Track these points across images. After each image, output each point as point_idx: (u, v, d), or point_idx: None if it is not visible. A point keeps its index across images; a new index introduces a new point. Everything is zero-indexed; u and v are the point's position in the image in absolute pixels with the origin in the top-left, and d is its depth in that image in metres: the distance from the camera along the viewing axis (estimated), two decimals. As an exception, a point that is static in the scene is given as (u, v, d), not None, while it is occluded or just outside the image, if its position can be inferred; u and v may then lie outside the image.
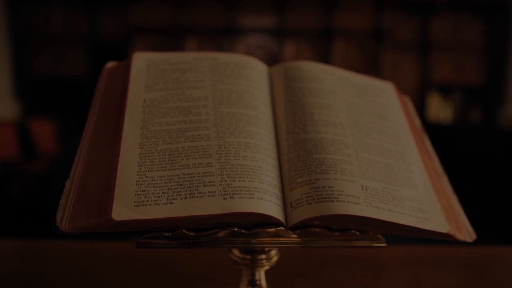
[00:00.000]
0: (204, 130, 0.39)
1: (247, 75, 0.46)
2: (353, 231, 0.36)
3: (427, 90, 4.21)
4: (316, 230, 0.36)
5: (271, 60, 3.96)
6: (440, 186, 0.44)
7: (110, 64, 0.48)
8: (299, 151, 0.40)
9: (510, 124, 3.87)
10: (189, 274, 0.58)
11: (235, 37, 4.10)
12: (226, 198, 0.34)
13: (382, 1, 4.02)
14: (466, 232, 0.40)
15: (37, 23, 4.15)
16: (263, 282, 0.44)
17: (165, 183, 0.35)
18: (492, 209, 2.38)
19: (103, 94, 0.44)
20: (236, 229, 0.35)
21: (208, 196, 0.34)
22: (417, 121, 0.51)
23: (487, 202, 2.42)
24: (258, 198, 0.35)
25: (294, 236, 0.36)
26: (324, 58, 4.01)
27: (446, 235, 0.38)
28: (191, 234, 0.34)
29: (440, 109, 4.28)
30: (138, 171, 0.36)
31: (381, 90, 0.51)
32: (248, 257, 0.42)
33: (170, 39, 4.07)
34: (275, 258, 0.43)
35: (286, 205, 0.37)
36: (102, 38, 4.18)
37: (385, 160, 0.42)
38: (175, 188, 0.35)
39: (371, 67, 4.01)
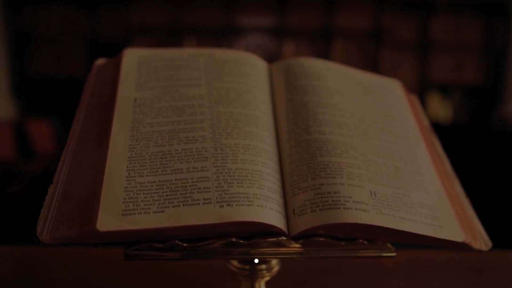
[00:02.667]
0: (199, 131, 0.36)
1: (246, 72, 0.43)
2: (360, 240, 0.34)
3: (426, 90, 4.19)
4: (321, 239, 0.33)
5: (271, 59, 3.90)
6: (453, 190, 0.41)
7: (100, 61, 0.45)
8: (302, 153, 0.37)
9: (509, 124, 3.85)
10: (188, 275, 0.56)
11: (235, 37, 4.07)
12: (222, 206, 0.31)
13: (382, 1, 4.00)
14: (481, 240, 0.37)
15: (37, 23, 4.12)
16: (263, 294, 0.41)
17: (156, 189, 0.32)
18: (496, 211, 2.35)
19: (92, 92, 0.41)
20: (233, 239, 0.32)
21: (203, 203, 0.31)
22: (426, 121, 0.48)
23: (491, 204, 2.40)
24: (257, 206, 0.32)
25: (297, 246, 0.33)
26: (324, 57, 3.93)
27: (462, 244, 0.35)
28: (185, 245, 0.31)
29: (440, 109, 4.27)
30: (126, 176, 0.33)
31: (387, 89, 0.48)
32: (247, 267, 0.39)
33: (170, 39, 4.05)
34: (276, 268, 0.41)
35: (288, 212, 0.34)
36: (102, 38, 4.15)
37: (394, 162, 0.39)
38: (166, 195, 0.32)
39: (371, 67, 3.99)
